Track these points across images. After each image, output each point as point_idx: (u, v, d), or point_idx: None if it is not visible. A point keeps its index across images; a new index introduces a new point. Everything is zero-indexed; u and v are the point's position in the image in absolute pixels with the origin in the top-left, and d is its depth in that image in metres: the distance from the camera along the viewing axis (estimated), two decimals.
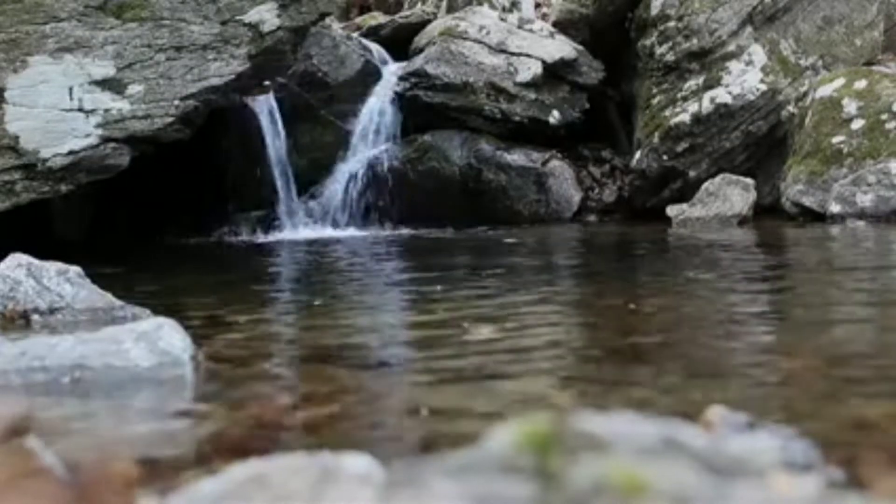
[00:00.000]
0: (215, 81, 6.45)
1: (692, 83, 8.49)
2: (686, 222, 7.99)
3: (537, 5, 10.43)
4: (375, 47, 9.05)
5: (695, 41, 8.48)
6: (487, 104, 8.71)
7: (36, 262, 3.80)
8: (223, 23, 6.48)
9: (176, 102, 6.36)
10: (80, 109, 6.21)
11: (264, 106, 8.28)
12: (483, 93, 8.71)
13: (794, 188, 7.85)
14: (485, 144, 8.71)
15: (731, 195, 8.07)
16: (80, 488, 1.55)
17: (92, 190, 6.98)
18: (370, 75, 8.78)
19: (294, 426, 2.38)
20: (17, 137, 6.13)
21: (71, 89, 6.20)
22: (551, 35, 9.13)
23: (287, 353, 3.47)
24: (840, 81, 8.06)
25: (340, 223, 8.48)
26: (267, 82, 7.91)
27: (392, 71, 8.89)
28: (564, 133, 8.91)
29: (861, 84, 7.99)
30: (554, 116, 8.82)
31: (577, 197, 8.80)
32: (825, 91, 8.01)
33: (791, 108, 8.33)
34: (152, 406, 2.65)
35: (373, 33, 9.39)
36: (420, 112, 8.71)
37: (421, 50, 9.01)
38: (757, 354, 3.13)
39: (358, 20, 10.08)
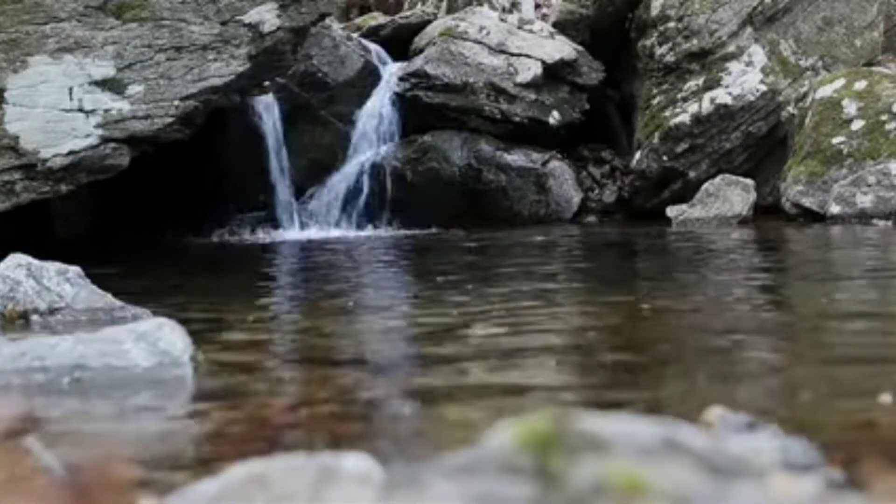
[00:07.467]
0: (215, 82, 6.45)
1: (692, 84, 8.49)
2: (686, 223, 7.99)
3: (537, 6, 10.42)
4: (375, 48, 9.04)
5: (695, 42, 8.48)
6: (487, 105, 8.70)
7: (36, 262, 3.80)
8: (223, 23, 6.48)
9: (176, 103, 6.36)
10: (80, 109, 6.21)
11: (264, 106, 8.27)
12: (483, 93, 8.70)
13: (794, 189, 7.85)
14: (485, 145, 8.71)
15: (731, 196, 8.06)
16: (80, 488, 1.55)
17: (92, 190, 6.98)
18: (370, 76, 8.77)
19: (294, 426, 2.38)
20: (17, 137, 6.12)
21: (71, 89, 6.20)
22: (551, 35, 9.13)
23: (287, 354, 3.47)
24: (840, 82, 8.06)
25: (340, 224, 8.47)
26: (267, 82, 7.91)
27: (392, 71, 8.88)
28: (564, 133, 8.90)
29: (861, 85, 7.99)
30: (554, 117, 8.81)
31: (577, 197, 8.80)
32: (825, 92, 8.01)
33: (791, 108, 8.33)
34: (152, 406, 2.65)
35: (373, 34, 9.38)
36: (420, 112, 8.70)
37: (421, 50, 9.00)
38: (758, 354, 3.13)
39: (358, 20, 10.07)
